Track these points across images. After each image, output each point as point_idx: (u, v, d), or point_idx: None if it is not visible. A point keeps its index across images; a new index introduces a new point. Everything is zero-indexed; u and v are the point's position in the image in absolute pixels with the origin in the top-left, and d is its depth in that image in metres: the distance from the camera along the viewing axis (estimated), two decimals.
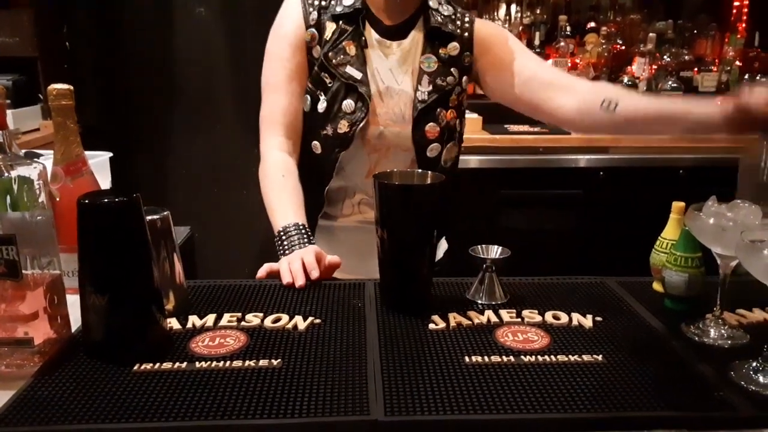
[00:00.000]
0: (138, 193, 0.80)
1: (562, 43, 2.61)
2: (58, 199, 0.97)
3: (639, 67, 2.61)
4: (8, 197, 0.76)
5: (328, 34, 1.20)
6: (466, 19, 1.28)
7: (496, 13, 2.73)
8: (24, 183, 0.78)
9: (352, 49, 1.19)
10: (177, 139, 2.67)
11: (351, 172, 1.26)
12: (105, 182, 1.36)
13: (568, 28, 2.66)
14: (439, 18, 1.25)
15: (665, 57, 2.66)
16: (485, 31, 1.29)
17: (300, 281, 1.03)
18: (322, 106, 1.19)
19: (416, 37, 1.25)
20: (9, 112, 0.80)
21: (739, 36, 2.72)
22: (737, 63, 2.65)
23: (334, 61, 1.19)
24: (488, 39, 1.28)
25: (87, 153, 1.04)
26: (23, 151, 0.94)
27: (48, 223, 0.81)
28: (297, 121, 1.23)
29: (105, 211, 0.78)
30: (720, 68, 2.67)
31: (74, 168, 1.00)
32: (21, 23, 2.29)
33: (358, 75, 1.18)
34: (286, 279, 1.04)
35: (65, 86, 0.98)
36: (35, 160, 0.83)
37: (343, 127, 1.19)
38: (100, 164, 1.39)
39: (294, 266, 1.05)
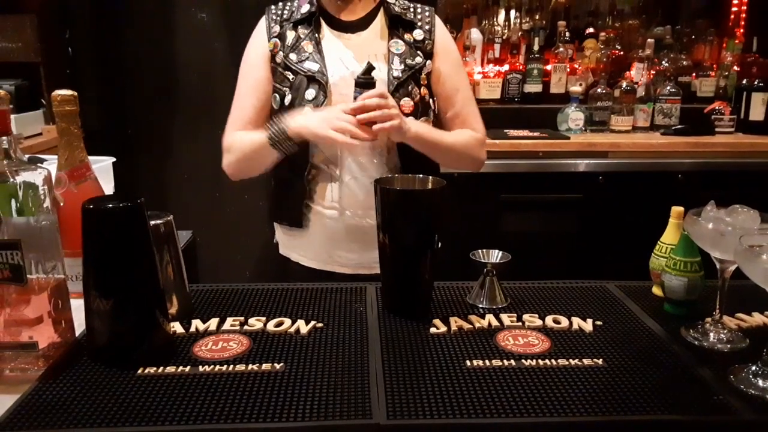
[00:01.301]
0: (142, 198, 0.81)
1: (561, 49, 2.62)
2: (62, 204, 0.97)
3: (637, 73, 2.62)
4: (14, 202, 0.77)
5: (289, 40, 1.34)
6: (426, 13, 1.40)
7: (495, 19, 2.74)
8: (29, 188, 0.78)
9: (309, 47, 1.32)
10: (179, 143, 2.68)
11: (329, 153, 1.32)
12: (108, 187, 1.36)
13: (567, 34, 2.66)
14: (398, 8, 1.37)
15: (663, 62, 2.67)
16: (443, 36, 1.40)
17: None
18: (287, 99, 1.31)
19: (378, 25, 1.37)
20: (12, 116, 0.80)
21: (737, 41, 2.73)
22: (735, 68, 2.65)
23: (294, 59, 1.31)
24: (442, 46, 1.39)
25: (90, 158, 1.05)
26: (27, 156, 0.94)
27: (52, 228, 0.81)
28: (254, 126, 1.34)
29: (110, 216, 0.79)
30: (718, 73, 2.67)
31: (78, 173, 1.01)
32: (24, 28, 2.30)
33: (315, 67, 1.30)
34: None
35: (69, 92, 0.98)
36: (39, 165, 0.83)
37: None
38: (103, 169, 1.40)
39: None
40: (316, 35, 1.33)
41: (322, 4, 1.36)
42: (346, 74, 1.30)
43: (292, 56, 1.31)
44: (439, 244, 0.98)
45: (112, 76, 2.61)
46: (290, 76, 1.31)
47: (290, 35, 1.34)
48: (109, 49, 2.59)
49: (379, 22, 1.37)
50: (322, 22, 1.36)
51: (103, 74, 2.61)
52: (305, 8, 1.35)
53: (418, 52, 1.35)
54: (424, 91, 1.35)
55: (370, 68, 1.21)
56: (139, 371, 0.79)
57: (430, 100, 1.37)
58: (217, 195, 2.70)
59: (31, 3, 2.34)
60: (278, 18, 1.36)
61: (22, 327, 0.78)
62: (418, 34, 1.36)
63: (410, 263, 0.98)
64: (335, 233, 1.34)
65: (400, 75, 1.31)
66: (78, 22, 2.55)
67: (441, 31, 1.40)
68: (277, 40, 1.34)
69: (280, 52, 1.33)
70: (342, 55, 1.32)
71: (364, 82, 1.21)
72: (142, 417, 0.70)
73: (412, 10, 1.39)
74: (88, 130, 1.05)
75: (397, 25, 1.36)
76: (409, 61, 1.33)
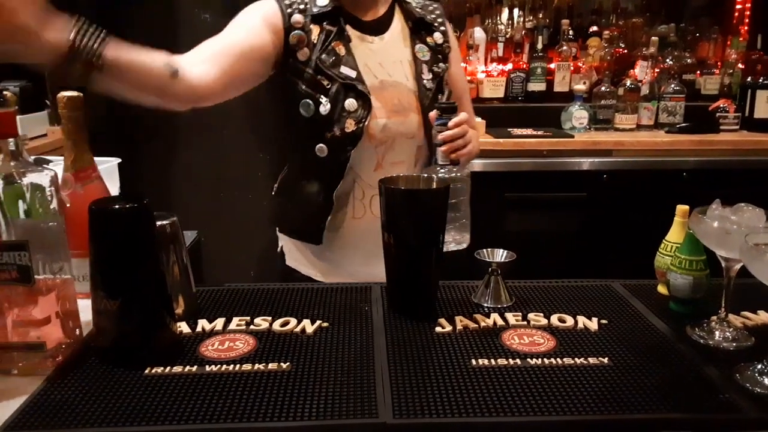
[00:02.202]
0: (148, 199, 0.81)
1: (565, 47, 2.62)
2: (68, 206, 0.98)
3: (641, 71, 2.62)
4: (21, 204, 0.77)
5: (314, 36, 1.21)
6: (438, 12, 1.35)
7: (498, 17, 2.74)
8: (36, 190, 0.79)
9: (341, 49, 1.22)
10: (183, 144, 2.69)
11: (359, 169, 1.26)
12: (114, 188, 1.37)
13: (571, 32, 2.66)
14: (418, 9, 1.31)
15: (667, 60, 2.67)
16: (452, 36, 1.38)
17: None
18: (325, 108, 1.20)
19: (398, 29, 1.29)
20: (17, 118, 0.81)
21: (741, 39, 2.72)
22: (739, 66, 2.65)
23: (328, 63, 1.20)
24: (453, 47, 1.37)
25: (96, 159, 1.05)
26: (32, 157, 0.95)
27: (60, 229, 0.82)
28: (228, 57, 1.18)
29: (116, 217, 0.79)
30: (722, 71, 2.67)
31: (84, 174, 1.01)
32: None
33: (352, 74, 1.21)
34: None
35: (75, 93, 0.99)
36: (46, 166, 0.84)
37: (350, 126, 1.20)
38: (108, 170, 1.40)
39: None
40: (346, 34, 1.23)
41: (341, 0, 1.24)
42: (376, 83, 1.23)
43: (324, 58, 1.20)
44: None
45: None
46: (325, 82, 1.20)
47: (315, 31, 1.21)
48: None
49: (399, 23, 1.30)
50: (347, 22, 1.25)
51: None
52: (323, 1, 1.23)
53: (439, 56, 1.30)
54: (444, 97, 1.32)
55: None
56: (146, 371, 0.79)
57: None
58: (221, 195, 2.70)
59: None
60: (294, 6, 1.22)
61: (30, 327, 0.79)
62: (438, 37, 1.31)
63: (415, 263, 0.98)
64: (359, 246, 1.29)
65: (432, 86, 1.27)
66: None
67: (450, 29, 1.37)
68: (302, 33, 1.20)
69: (305, 49, 1.20)
70: (368, 61, 1.24)
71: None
72: (149, 417, 0.70)
73: (426, 9, 1.33)
74: (92, 131, 1.05)
75: (420, 29, 1.30)
76: (435, 69, 1.29)
